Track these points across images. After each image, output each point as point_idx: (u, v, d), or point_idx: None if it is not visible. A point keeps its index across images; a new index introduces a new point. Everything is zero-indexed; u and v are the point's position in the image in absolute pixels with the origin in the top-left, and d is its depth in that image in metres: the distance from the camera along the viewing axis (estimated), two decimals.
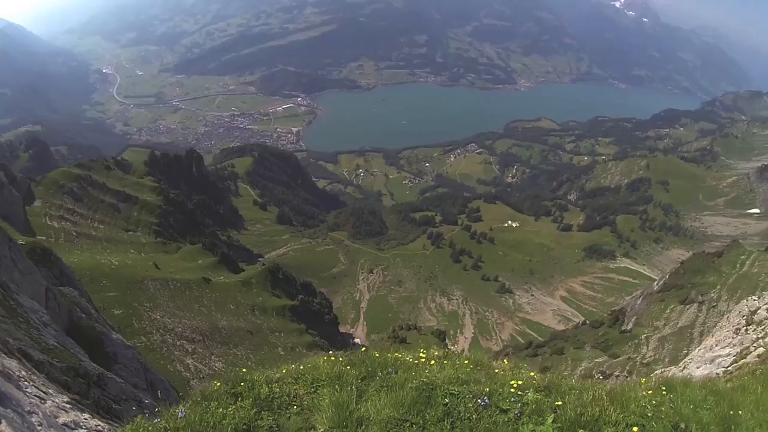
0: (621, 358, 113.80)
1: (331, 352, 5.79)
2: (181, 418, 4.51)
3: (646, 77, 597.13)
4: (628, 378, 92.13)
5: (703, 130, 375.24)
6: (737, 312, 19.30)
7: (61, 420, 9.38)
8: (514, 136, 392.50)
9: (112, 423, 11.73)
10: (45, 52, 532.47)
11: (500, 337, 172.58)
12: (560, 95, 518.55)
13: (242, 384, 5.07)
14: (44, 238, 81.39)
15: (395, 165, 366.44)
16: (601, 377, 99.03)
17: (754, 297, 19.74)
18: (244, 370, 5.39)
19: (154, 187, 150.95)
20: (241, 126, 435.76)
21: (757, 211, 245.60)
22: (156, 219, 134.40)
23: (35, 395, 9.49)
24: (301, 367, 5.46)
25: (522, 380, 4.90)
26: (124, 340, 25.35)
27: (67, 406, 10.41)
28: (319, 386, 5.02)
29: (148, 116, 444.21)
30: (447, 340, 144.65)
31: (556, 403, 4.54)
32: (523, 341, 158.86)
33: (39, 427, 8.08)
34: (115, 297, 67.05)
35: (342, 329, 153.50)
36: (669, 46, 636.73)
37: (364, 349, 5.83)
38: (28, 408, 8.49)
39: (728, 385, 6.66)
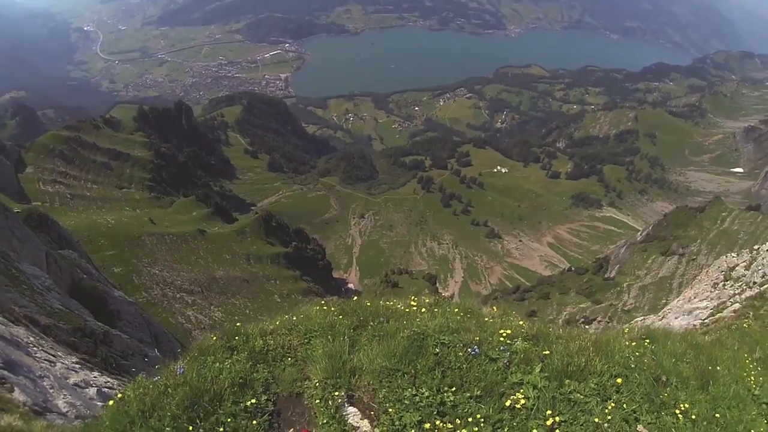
0: (603, 305, 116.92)
1: (323, 301, 5.76)
2: (180, 374, 4.53)
3: (638, 29, 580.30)
4: (610, 324, 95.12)
5: (693, 86, 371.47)
6: (716, 267, 19.69)
7: (71, 380, 9.55)
8: (504, 81, 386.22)
9: (120, 378, 11.98)
10: (21, 14, 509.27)
11: (489, 281, 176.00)
12: (551, 42, 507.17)
13: (237, 338, 5.08)
14: (39, 203, 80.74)
15: (384, 109, 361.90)
16: (584, 322, 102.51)
17: (733, 254, 20.13)
18: (238, 324, 5.38)
19: (145, 143, 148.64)
20: (229, 75, 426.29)
21: (740, 170, 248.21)
22: (148, 174, 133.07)
23: (45, 359, 9.61)
24: (294, 318, 5.45)
25: (511, 329, 4.94)
26: (126, 297, 25.60)
27: (77, 366, 10.58)
28: (313, 337, 5.04)
29: (134, 71, 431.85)
30: (438, 285, 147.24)
31: (544, 352, 4.62)
32: (511, 285, 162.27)
33: (51, 390, 8.22)
34: (114, 255, 67.26)
35: (335, 275, 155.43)
36: None
37: (356, 297, 5.81)
38: (39, 372, 8.61)
39: (706, 338, 6.82)
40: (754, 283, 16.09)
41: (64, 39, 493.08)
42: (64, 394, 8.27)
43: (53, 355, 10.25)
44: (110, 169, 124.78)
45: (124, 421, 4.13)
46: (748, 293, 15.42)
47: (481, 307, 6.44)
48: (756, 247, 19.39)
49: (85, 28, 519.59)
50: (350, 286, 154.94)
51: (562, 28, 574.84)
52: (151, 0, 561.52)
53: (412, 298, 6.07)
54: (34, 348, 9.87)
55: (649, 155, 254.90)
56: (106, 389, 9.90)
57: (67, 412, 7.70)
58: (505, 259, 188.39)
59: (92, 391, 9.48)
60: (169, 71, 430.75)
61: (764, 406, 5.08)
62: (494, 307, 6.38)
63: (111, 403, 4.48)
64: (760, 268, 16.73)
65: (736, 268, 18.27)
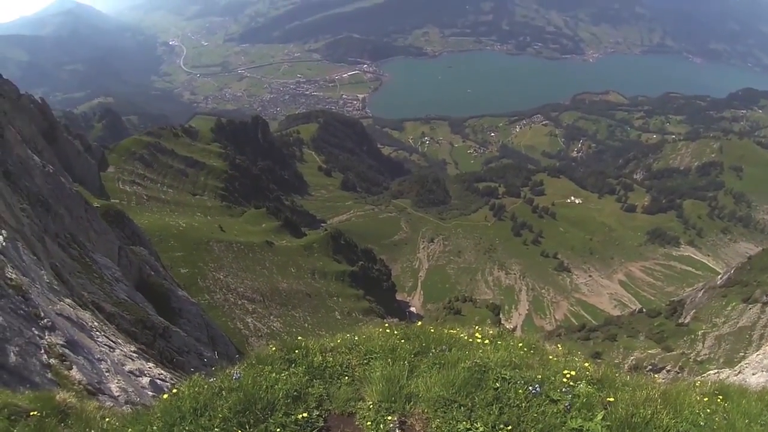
0: (674, 353, 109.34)
1: (386, 324, 5.78)
2: (235, 379, 4.67)
3: (723, 52, 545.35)
4: (680, 374, 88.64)
5: None
6: None
7: (127, 367, 10.08)
8: (581, 108, 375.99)
9: (174, 372, 12.51)
10: (113, 28, 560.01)
11: (554, 316, 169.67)
12: (630, 68, 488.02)
13: (297, 351, 5.20)
14: (117, 201, 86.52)
15: (460, 133, 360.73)
16: (651, 370, 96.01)
17: None
18: (299, 338, 5.49)
19: (220, 153, 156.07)
20: (307, 93, 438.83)
21: None
22: (222, 184, 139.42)
23: (105, 344, 10.20)
24: (356, 338, 5.53)
25: (575, 370, 4.73)
26: (189, 297, 26.82)
27: (134, 355, 11.16)
28: (372, 358, 5.08)
29: (214, 85, 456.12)
30: (501, 315, 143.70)
31: (608, 399, 4.38)
32: (576, 323, 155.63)
33: (107, 373, 8.70)
34: (182, 257, 70.67)
35: (399, 297, 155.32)
36: (751, 18, 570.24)
37: (418, 322, 5.82)
38: (98, 356, 9.15)
39: None
40: None
41: (151, 52, 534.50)
42: (119, 379, 8.70)
43: (113, 342, 10.82)
44: (186, 175, 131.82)
45: (175, 416, 4.27)
46: None
47: (545, 343, 6.24)
48: None
49: (171, 43, 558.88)
50: (412, 309, 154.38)
51: (642, 52, 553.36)
52: (233, 18, 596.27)
53: (477, 328, 5.98)
54: (97, 332, 10.46)
55: (734, 190, 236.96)
56: (159, 380, 10.35)
57: (118, 396, 8.09)
58: (572, 294, 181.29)
59: (145, 381, 9.94)
60: (247, 86, 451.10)
61: None
62: (559, 345, 6.17)
63: (165, 396, 4.68)
64: None
65: None
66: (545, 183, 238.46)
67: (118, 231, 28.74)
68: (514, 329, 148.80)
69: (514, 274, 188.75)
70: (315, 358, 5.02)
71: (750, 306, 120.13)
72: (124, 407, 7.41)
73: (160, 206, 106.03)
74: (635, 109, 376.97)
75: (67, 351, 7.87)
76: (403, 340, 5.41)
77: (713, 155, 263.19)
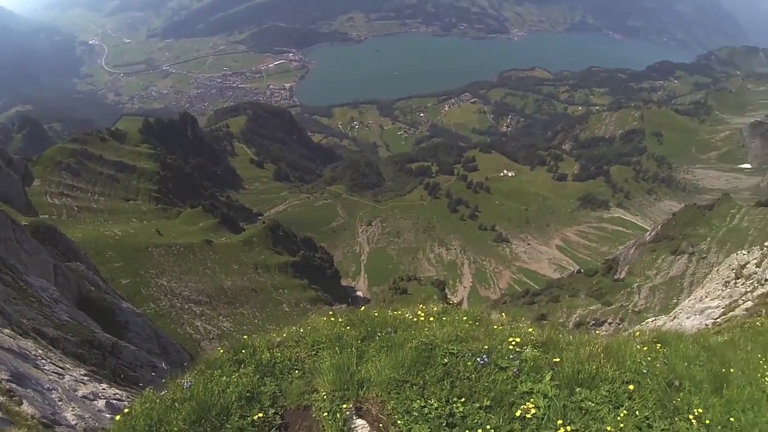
0: (614, 306, 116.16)
1: (330, 312, 5.72)
2: (187, 388, 4.52)
3: (641, 28, 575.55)
4: (621, 325, 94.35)
5: (698, 83, 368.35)
6: (727, 265, 19.50)
7: (80, 393, 9.55)
8: (508, 85, 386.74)
9: (129, 389, 11.97)
10: (26, 29, 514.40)
11: (498, 285, 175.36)
12: (553, 45, 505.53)
13: (244, 351, 5.06)
14: (47, 216, 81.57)
15: (390, 116, 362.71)
16: (594, 325, 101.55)
17: (743, 251, 19.93)
18: (245, 337, 5.35)
19: (151, 154, 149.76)
20: (234, 85, 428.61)
21: (748, 166, 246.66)
22: (155, 186, 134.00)
23: (53, 372, 9.62)
24: (302, 330, 5.43)
25: (520, 336, 4.88)
26: (134, 308, 25.67)
27: (85, 378, 10.58)
28: (320, 349, 5.00)
29: (139, 84, 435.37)
30: (447, 290, 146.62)
31: (554, 360, 4.56)
32: (520, 289, 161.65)
33: (59, 402, 8.22)
34: (122, 267, 67.66)
35: (344, 282, 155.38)
36: None
37: (364, 306, 5.78)
38: (48, 385, 8.62)
39: (718, 338, 6.70)
40: (766, 280, 15.89)
41: (70, 52, 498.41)
42: (73, 407, 8.27)
43: (61, 368, 10.26)
44: (117, 181, 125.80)
45: None
46: (760, 291, 15.23)
47: (490, 313, 6.39)
48: (767, 243, 19.15)
49: (90, 42, 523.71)
50: (359, 293, 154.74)
51: (565, 30, 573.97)
52: (155, 12, 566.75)
53: (420, 307, 6.00)
54: (42, 360, 9.89)
55: (655, 154, 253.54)
56: (115, 401, 9.91)
57: (75, 424, 7.70)
58: (513, 263, 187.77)
59: (101, 403, 9.49)
60: (173, 83, 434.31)
61: None
62: (503, 314, 6.33)
63: (118, 418, 4.48)
64: None
65: (747, 265, 18.05)
66: (477, 159, 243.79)
67: (51, 248, 27.12)
68: (461, 303, 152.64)
69: (455, 249, 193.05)
70: (263, 356, 4.91)
71: (678, 257, 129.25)
72: None
73: (93, 216, 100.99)
74: (560, 83, 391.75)
75: (13, 385, 7.43)
76: (348, 327, 5.36)
77: (635, 123, 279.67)
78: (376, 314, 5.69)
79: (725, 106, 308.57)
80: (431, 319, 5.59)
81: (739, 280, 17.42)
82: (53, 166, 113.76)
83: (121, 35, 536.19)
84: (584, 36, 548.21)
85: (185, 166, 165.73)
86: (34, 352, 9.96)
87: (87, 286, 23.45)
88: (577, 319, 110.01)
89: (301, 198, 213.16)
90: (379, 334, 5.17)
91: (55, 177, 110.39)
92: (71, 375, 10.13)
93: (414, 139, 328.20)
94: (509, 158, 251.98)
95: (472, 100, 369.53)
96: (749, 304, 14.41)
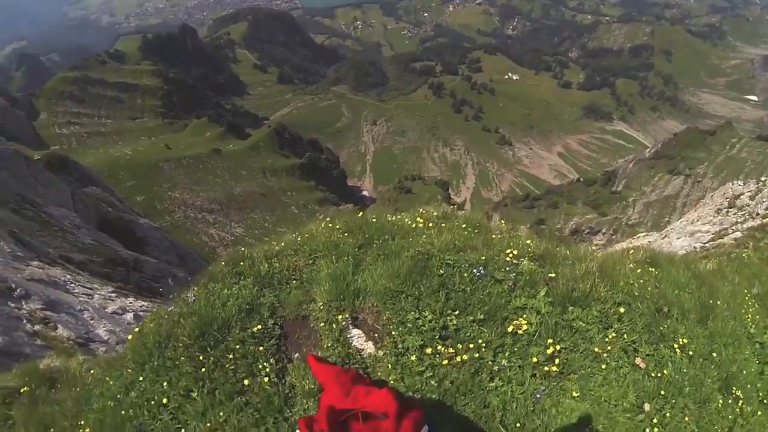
0: (609, 217, 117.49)
1: (328, 219, 5.54)
2: (191, 303, 4.52)
3: None
4: (614, 237, 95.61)
5: (715, 6, 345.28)
6: (721, 193, 19.21)
7: (109, 309, 9.90)
8: None
9: (153, 300, 12.42)
10: None
11: (500, 188, 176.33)
12: None
13: (242, 263, 4.94)
14: (57, 146, 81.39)
15: (393, 15, 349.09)
16: (589, 233, 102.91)
17: (739, 182, 19.58)
18: (243, 249, 5.20)
19: (152, 71, 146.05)
20: None
21: (755, 98, 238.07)
22: (159, 101, 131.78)
23: (83, 293, 9.91)
24: (299, 238, 5.23)
25: (517, 248, 4.75)
26: (151, 223, 26.10)
27: (113, 295, 10.93)
28: (317, 257, 4.85)
29: (133, 1, 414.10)
30: (450, 190, 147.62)
31: (550, 275, 4.45)
32: (521, 193, 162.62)
33: (92, 321, 8.54)
34: (135, 185, 68.26)
35: (350, 182, 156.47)
36: None
37: (361, 213, 5.59)
38: (79, 307, 8.91)
39: (708, 266, 6.57)
40: (757, 214, 15.74)
41: None
42: (104, 323, 8.64)
43: (90, 288, 10.59)
44: (121, 101, 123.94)
45: (144, 353, 4.21)
46: (750, 223, 15.11)
47: (491, 217, 6.20)
48: (763, 178, 18.89)
49: None
50: (365, 193, 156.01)
51: None
52: None
53: (420, 211, 5.78)
54: (72, 284, 10.21)
55: (663, 72, 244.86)
56: (142, 312, 10.32)
57: (108, 339, 8.06)
58: (515, 166, 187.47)
59: (129, 317, 9.88)
60: None
61: (757, 345, 5.01)
62: (502, 221, 6.15)
63: (131, 336, 4.55)
64: (764, 200, 16.31)
65: (741, 196, 17.84)
66: (482, 60, 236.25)
67: (65, 177, 27.14)
68: (464, 203, 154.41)
69: (459, 149, 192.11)
70: (261, 267, 4.79)
71: (674, 177, 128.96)
72: (116, 348, 7.39)
73: (102, 140, 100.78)
74: None
75: (48, 313, 7.77)
76: (345, 234, 5.13)
77: (645, 38, 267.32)
78: (374, 220, 5.43)
79: (740, 33, 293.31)
80: (430, 225, 5.39)
81: (732, 209, 17.29)
82: (57, 97, 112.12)
83: None
84: None
85: (188, 78, 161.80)
86: (63, 278, 10.24)
87: (105, 208, 23.74)
88: (574, 227, 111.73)
89: (306, 100, 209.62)
90: (376, 241, 4.97)
91: (60, 107, 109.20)
92: (100, 294, 10.46)
93: (418, 39, 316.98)
94: (514, 61, 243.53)
95: (477, 1, 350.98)
96: (738, 234, 14.36)
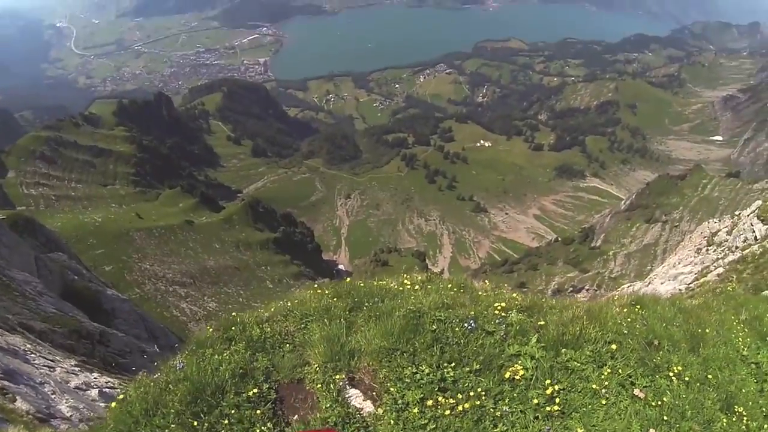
0: (590, 273, 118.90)
1: (316, 285, 5.66)
2: (179, 369, 4.49)
3: (616, 0, 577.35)
4: (598, 291, 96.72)
5: (672, 56, 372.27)
6: (699, 233, 20.00)
7: (72, 384, 9.47)
8: (483, 55, 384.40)
9: (121, 377, 11.91)
10: None
11: (478, 255, 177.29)
12: (529, 16, 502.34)
13: (233, 328, 4.98)
14: (24, 207, 79.75)
15: (365, 88, 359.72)
16: (572, 291, 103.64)
17: (714, 219, 20.44)
18: (234, 314, 5.28)
19: (126, 137, 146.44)
20: (208, 63, 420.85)
21: (719, 138, 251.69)
22: (132, 169, 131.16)
23: (44, 365, 9.52)
24: (289, 304, 5.34)
25: (505, 302, 4.95)
26: (119, 295, 25.29)
27: (76, 369, 10.49)
28: (309, 321, 4.96)
29: (110, 65, 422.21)
30: (427, 261, 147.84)
31: (539, 323, 4.65)
32: (499, 258, 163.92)
33: (53, 396, 8.16)
34: (104, 253, 66.49)
35: (325, 256, 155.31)
36: None
37: (348, 278, 5.72)
38: (40, 379, 8.53)
39: (693, 302, 6.90)
40: (736, 247, 16.30)
41: (37, 37, 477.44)
42: (67, 399, 8.23)
43: (52, 360, 10.16)
44: (93, 166, 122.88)
45: (128, 422, 4.09)
46: (731, 257, 15.62)
47: (473, 281, 6.43)
48: (737, 212, 19.64)
49: (58, 24, 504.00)
50: (341, 267, 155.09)
51: (540, 1, 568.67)
52: None
53: (405, 276, 5.98)
54: (32, 355, 9.79)
55: (630, 125, 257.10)
56: (108, 389, 9.86)
57: (71, 416, 7.67)
58: (492, 232, 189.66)
59: (94, 393, 9.44)
60: (146, 63, 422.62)
61: (753, 366, 5.24)
62: (486, 281, 6.37)
63: (114, 404, 4.44)
64: (741, 233, 16.94)
65: (719, 233, 18.51)
66: (454, 129, 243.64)
67: (31, 240, 26.44)
68: (442, 272, 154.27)
69: (434, 220, 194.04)
70: (253, 332, 4.85)
71: (652, 225, 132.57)
72: (79, 426, 7.07)
73: (72, 204, 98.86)
74: (536, 54, 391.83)
75: (5, 383, 7.41)
76: (335, 299, 5.30)
77: (610, 95, 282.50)
78: (362, 285, 5.61)
79: (698, 79, 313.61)
80: (416, 287, 5.58)
81: (711, 247, 17.89)
82: (27, 156, 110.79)
83: (90, 16, 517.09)
84: (560, 7, 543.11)
85: (162, 146, 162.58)
86: (23, 347, 9.83)
87: (70, 275, 23.05)
88: (556, 287, 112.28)
89: (279, 173, 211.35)
90: (366, 304, 5.13)
91: (29, 167, 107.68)
92: (62, 367, 10.02)
93: (390, 111, 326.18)
94: (486, 128, 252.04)
95: (447, 71, 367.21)
96: (720, 270, 14.81)
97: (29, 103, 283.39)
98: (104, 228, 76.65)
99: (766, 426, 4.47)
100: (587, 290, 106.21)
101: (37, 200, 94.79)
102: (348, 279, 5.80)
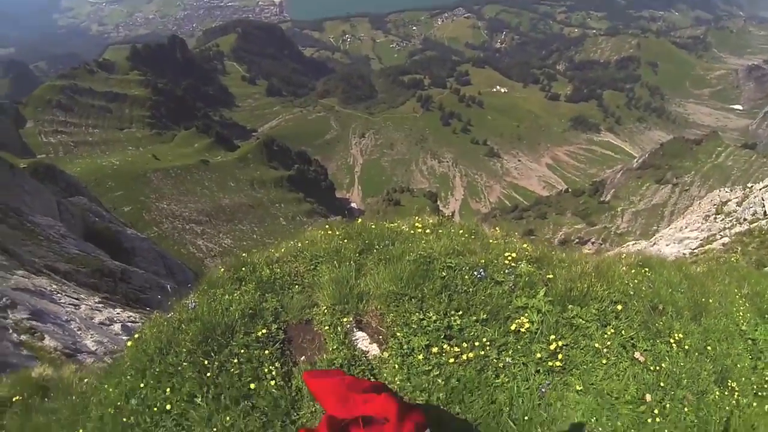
0: (597, 227, 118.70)
1: (327, 225, 5.55)
2: (191, 309, 4.51)
3: None
4: (603, 246, 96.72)
5: (699, 18, 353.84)
6: (709, 200, 19.60)
7: (97, 319, 9.78)
8: (503, 2, 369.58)
9: (142, 311, 12.28)
10: None
11: (489, 199, 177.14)
12: None
13: (244, 268, 4.93)
14: (44, 155, 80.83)
15: (382, 29, 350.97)
16: (578, 243, 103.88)
17: (726, 189, 19.99)
18: (244, 254, 5.20)
19: (141, 81, 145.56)
20: (222, 4, 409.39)
21: (740, 107, 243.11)
22: (148, 112, 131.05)
23: (69, 303, 9.79)
24: (299, 245, 5.25)
25: (515, 252, 4.85)
26: (138, 234, 25.81)
27: (100, 305, 10.80)
28: (319, 263, 4.88)
29: (122, 11, 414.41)
30: (439, 202, 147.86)
31: (548, 276, 4.56)
32: (509, 204, 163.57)
33: (79, 332, 8.43)
34: (123, 195, 67.58)
35: (338, 195, 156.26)
36: None
37: (359, 217, 5.59)
38: (66, 317, 8.80)
39: (698, 269, 6.75)
40: (745, 219, 16.07)
41: None
42: (92, 334, 8.52)
43: (77, 299, 10.45)
44: (109, 111, 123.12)
45: (144, 360, 4.17)
46: (738, 229, 15.42)
47: (484, 227, 6.29)
48: (750, 185, 19.29)
49: None
50: (353, 205, 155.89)
51: None
52: None
53: (417, 219, 5.83)
54: (58, 294, 10.07)
55: (649, 84, 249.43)
56: (130, 323, 10.19)
57: (96, 350, 7.95)
58: (504, 178, 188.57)
59: (117, 327, 9.76)
60: (159, 7, 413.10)
61: (750, 342, 5.21)
62: (497, 228, 6.24)
63: (129, 343, 4.50)
64: (751, 206, 16.65)
65: (728, 203, 18.22)
66: (470, 73, 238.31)
67: (52, 186, 26.87)
68: (452, 215, 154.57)
69: (447, 162, 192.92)
70: (263, 273, 4.80)
71: (662, 186, 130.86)
72: (104, 358, 7.29)
73: (90, 149, 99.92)
74: (557, 3, 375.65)
75: (34, 323, 7.68)
76: (345, 240, 5.18)
77: (631, 51, 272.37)
78: (373, 226, 5.48)
79: (724, 44, 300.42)
80: (427, 231, 5.44)
81: (719, 216, 17.65)
82: (44, 106, 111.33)
83: None
84: None
85: (177, 89, 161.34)
86: (49, 288, 10.10)
87: (91, 217, 23.47)
88: (563, 237, 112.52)
89: (294, 112, 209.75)
90: (376, 246, 5.03)
91: (47, 116, 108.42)
92: (87, 304, 10.32)
93: (406, 53, 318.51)
94: (502, 74, 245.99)
95: (465, 15, 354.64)
96: (726, 240, 14.66)
97: (43, 53, 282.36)
98: (122, 170, 77.59)
99: (755, 404, 4.47)
100: (593, 243, 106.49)
101: (56, 147, 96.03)
102: (359, 220, 5.66)
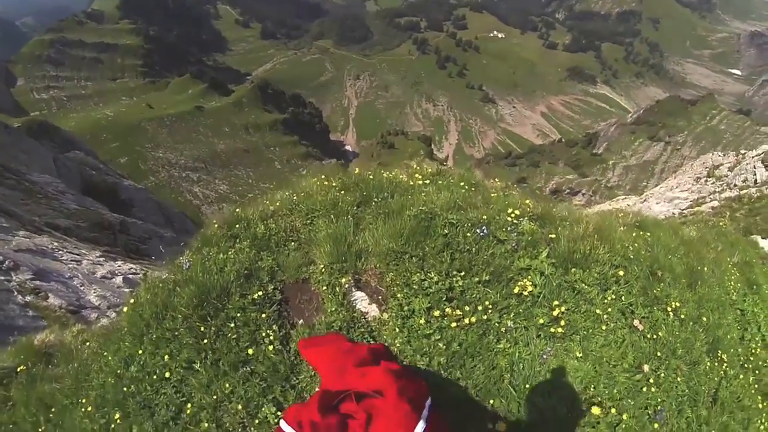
0: (589, 178, 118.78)
1: (323, 175, 5.23)
2: (186, 270, 4.34)
3: None
4: (593, 198, 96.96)
5: None
6: (701, 162, 19.44)
7: (99, 274, 9.74)
8: None
9: (142, 262, 12.24)
10: None
11: (482, 144, 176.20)
12: None
13: (237, 225, 4.72)
14: (38, 112, 79.50)
15: None
16: (569, 193, 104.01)
17: (718, 153, 19.81)
18: (237, 210, 4.95)
19: (132, 29, 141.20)
20: None
21: (738, 72, 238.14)
22: (140, 60, 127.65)
23: (71, 260, 9.72)
24: (295, 197, 4.99)
25: (518, 207, 4.61)
26: (135, 185, 25.65)
27: (101, 259, 10.73)
28: (315, 217, 4.64)
29: None
30: (433, 146, 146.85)
31: (551, 235, 4.34)
32: (503, 150, 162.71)
33: (82, 288, 8.40)
34: (118, 146, 66.87)
35: (333, 137, 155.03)
36: None
37: (357, 170, 5.33)
38: (68, 274, 8.74)
39: (692, 233, 6.57)
40: (735, 185, 16.01)
41: None
42: (95, 289, 8.54)
43: (78, 255, 10.42)
44: (101, 62, 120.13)
45: (140, 325, 4.09)
46: (728, 194, 15.38)
47: (484, 179, 6.02)
48: (743, 151, 19.12)
49: None
50: (348, 147, 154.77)
51: None
52: None
53: (415, 167, 5.58)
54: (60, 251, 10.05)
55: (649, 40, 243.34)
56: (131, 275, 10.19)
57: (99, 304, 7.97)
58: (498, 124, 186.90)
59: (119, 280, 9.78)
60: None
61: (738, 312, 5.21)
62: (496, 180, 5.99)
63: (126, 309, 4.40)
64: (743, 172, 16.56)
65: (720, 167, 18.14)
66: (468, 17, 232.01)
67: (47, 143, 26.48)
68: (446, 159, 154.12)
69: (442, 105, 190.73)
70: (258, 229, 4.58)
71: (654, 143, 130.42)
72: (108, 312, 7.29)
73: (83, 102, 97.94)
74: None
75: (38, 282, 7.70)
76: (342, 192, 4.91)
77: (633, 5, 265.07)
78: (371, 177, 5.20)
79: (729, 7, 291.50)
80: (426, 182, 5.19)
81: (710, 179, 17.58)
82: (34, 62, 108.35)
83: None
84: None
85: (169, 35, 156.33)
86: (50, 246, 10.04)
87: (88, 171, 23.31)
88: (554, 186, 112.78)
89: (289, 55, 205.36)
90: (375, 199, 4.78)
91: (38, 72, 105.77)
92: (88, 259, 10.28)
93: None
94: (500, 20, 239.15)
95: None
96: (715, 203, 14.61)
97: (29, 8, 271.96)
98: (117, 121, 76.54)
99: (741, 376, 4.46)
100: (583, 194, 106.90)
101: (49, 103, 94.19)
102: (357, 170, 5.38)
